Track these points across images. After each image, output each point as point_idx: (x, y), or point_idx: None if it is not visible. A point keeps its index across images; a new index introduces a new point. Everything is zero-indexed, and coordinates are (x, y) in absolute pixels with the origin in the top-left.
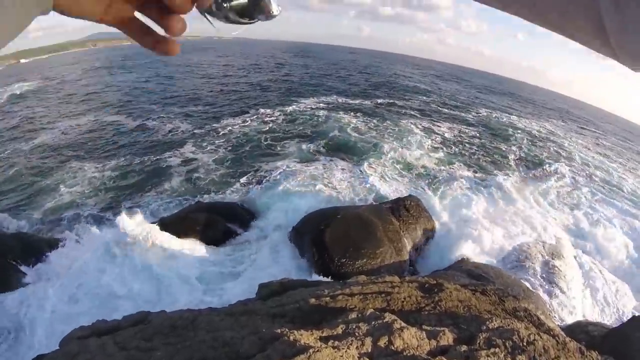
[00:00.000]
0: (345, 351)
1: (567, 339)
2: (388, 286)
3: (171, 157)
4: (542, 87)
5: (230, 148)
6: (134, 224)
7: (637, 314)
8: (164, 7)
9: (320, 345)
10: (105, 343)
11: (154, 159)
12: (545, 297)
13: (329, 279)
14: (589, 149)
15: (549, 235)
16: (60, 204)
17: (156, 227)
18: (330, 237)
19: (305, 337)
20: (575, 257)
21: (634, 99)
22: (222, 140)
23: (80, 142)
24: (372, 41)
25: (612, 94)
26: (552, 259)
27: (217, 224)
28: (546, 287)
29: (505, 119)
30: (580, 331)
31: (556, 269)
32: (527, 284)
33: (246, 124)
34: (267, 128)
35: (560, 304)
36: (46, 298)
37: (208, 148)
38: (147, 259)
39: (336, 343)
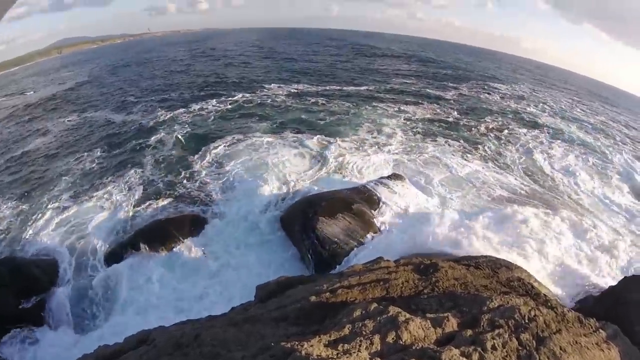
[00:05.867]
0: (357, 354)
1: (565, 309)
2: (384, 272)
3: (148, 142)
4: (517, 55)
5: (200, 129)
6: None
7: (629, 275)
8: None
9: (335, 355)
10: None
11: (132, 145)
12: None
13: (322, 269)
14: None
15: None
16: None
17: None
18: (320, 224)
19: (316, 347)
20: None
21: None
22: (190, 123)
23: (72, 139)
24: (342, 20)
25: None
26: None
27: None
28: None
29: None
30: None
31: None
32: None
33: (213, 107)
34: (230, 110)
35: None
36: None
37: (176, 129)
38: None
39: (346, 346)
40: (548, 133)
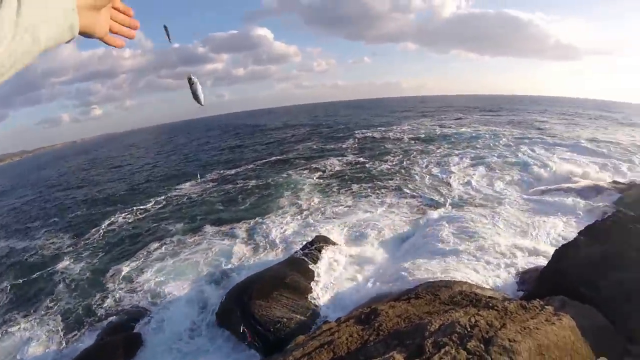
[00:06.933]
0: None
1: (506, 303)
2: (327, 335)
3: (57, 268)
4: (402, 96)
5: (111, 246)
6: None
7: (557, 248)
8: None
9: None
10: None
11: (42, 273)
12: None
13: (274, 351)
14: None
15: None
16: None
17: None
18: (258, 308)
19: None
20: None
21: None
22: (98, 243)
23: None
24: (235, 104)
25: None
26: None
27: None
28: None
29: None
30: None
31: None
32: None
33: (122, 220)
34: (141, 219)
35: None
36: None
37: (85, 254)
38: None
39: None
40: (443, 150)
